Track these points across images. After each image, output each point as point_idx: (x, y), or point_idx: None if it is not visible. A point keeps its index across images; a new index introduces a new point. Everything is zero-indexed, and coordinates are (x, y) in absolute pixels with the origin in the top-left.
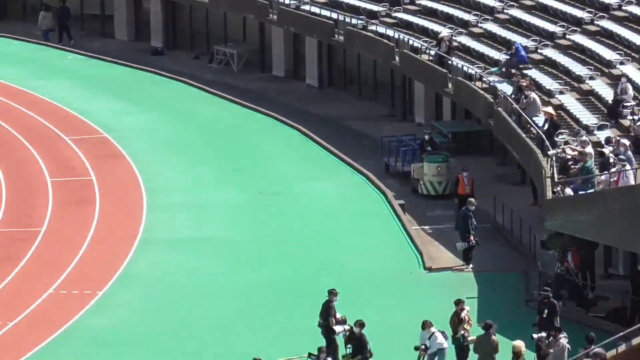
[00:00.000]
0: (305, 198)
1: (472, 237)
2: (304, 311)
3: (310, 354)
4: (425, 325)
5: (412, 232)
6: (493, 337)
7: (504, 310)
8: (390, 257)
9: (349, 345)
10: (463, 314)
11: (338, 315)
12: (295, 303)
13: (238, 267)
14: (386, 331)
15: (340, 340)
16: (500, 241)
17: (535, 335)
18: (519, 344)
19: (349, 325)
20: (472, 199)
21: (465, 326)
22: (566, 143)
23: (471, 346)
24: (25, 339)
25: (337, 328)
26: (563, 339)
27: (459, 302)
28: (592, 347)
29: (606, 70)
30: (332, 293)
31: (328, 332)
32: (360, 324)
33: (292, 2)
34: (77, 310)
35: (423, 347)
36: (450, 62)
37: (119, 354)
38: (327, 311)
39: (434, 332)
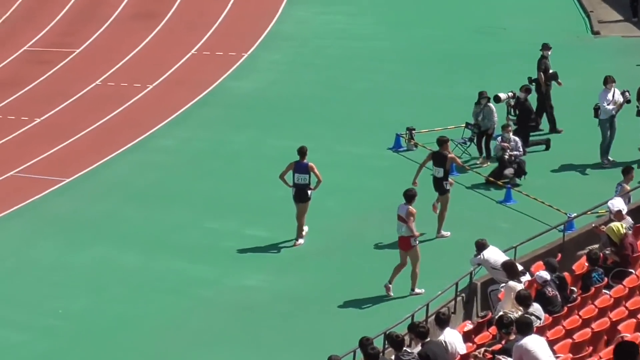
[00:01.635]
0: None
1: None
2: (461, 76)
3: (467, 124)
4: (608, 81)
5: None
6: None
7: None
8: (555, 20)
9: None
10: None
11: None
12: (453, 66)
13: (393, 29)
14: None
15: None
16: None
17: None
18: None
19: (512, 91)
20: None
21: None
22: None
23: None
24: (166, 101)
25: (502, 95)
26: None
27: None
28: None
29: None
30: (545, 47)
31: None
32: (526, 89)
33: None
34: (220, 73)
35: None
36: None
37: (263, 115)
38: (543, 66)
39: (614, 90)
